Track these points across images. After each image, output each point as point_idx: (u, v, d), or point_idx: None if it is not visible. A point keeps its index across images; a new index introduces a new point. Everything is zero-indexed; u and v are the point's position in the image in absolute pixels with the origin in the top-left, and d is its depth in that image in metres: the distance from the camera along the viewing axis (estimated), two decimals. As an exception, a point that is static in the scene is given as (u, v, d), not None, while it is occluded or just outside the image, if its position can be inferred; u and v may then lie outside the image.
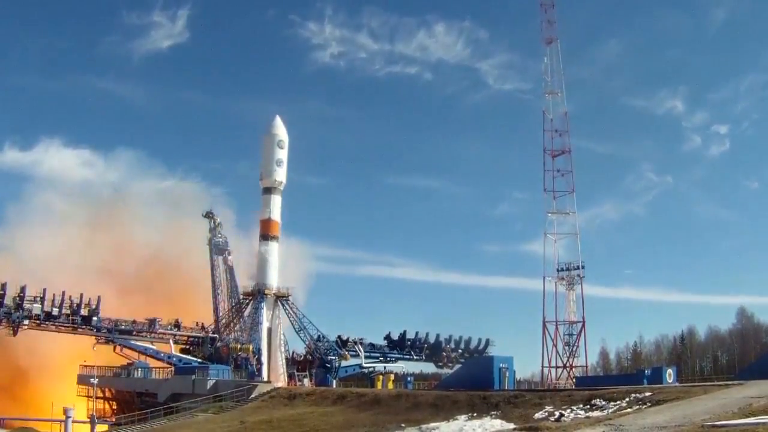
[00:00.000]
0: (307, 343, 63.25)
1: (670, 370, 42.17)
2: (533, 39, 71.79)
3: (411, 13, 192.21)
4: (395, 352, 72.39)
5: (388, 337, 73.50)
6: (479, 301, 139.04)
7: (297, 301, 65.21)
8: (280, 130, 64.81)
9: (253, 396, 44.82)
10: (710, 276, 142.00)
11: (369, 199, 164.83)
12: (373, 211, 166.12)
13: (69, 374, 59.07)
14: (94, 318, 56.30)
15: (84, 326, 56.53)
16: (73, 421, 45.14)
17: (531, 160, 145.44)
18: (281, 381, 58.74)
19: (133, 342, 59.07)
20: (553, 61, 65.53)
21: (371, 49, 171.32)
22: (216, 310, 64.99)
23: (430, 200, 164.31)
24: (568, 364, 60.85)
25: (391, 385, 60.70)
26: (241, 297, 63.96)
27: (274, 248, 63.72)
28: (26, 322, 53.48)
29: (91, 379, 50.55)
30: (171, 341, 60.78)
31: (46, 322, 54.92)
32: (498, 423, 27.44)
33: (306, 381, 60.74)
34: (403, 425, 30.39)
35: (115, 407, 56.86)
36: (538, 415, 27.34)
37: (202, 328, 64.64)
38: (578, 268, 61.67)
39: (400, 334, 73.73)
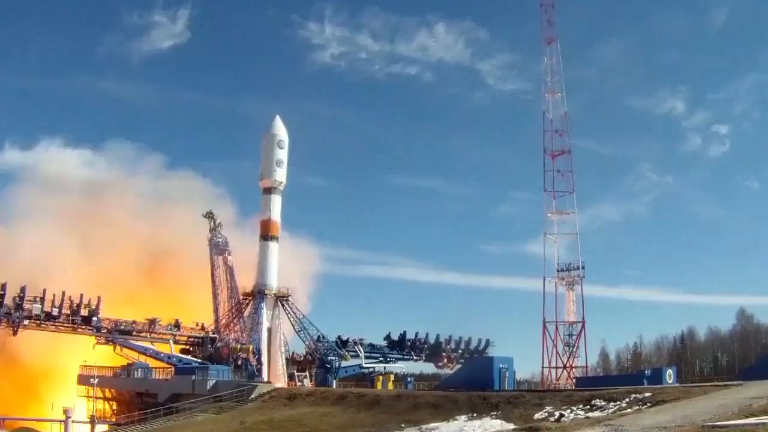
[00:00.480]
0: (307, 343, 63.26)
1: (670, 371, 42.21)
2: (534, 39, 71.76)
3: (411, 14, 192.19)
4: (395, 352, 72.37)
5: (388, 338, 73.50)
6: (479, 301, 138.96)
7: (297, 301, 65.36)
8: (280, 130, 64.81)
9: (253, 396, 44.81)
10: (710, 276, 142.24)
11: (369, 199, 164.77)
12: (373, 211, 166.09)
13: (69, 375, 59.07)
14: (94, 318, 56.22)
15: (84, 326, 56.48)
16: (73, 422, 45.19)
17: (531, 160, 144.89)
18: (281, 381, 58.75)
19: (133, 342, 59.03)
20: (553, 61, 65.66)
21: (371, 49, 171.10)
22: (216, 310, 64.92)
23: (431, 200, 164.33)
24: (568, 365, 60.84)
25: (391, 386, 60.62)
26: (241, 297, 63.99)
27: (274, 248, 63.72)
28: (26, 322, 53.40)
29: (91, 380, 50.57)
30: (171, 341, 60.74)
31: (46, 322, 54.84)
32: (498, 423, 27.45)
33: (306, 381, 60.76)
34: (403, 425, 30.40)
35: (115, 407, 56.78)
36: (538, 416, 27.35)
37: (202, 328, 64.60)
38: (578, 268, 61.67)
39: (400, 334, 73.72)
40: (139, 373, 56.55)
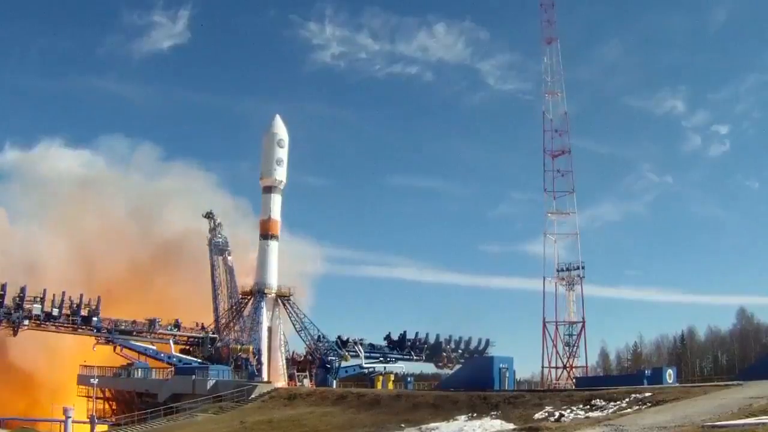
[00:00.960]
0: (307, 342, 63.21)
1: (670, 371, 42.20)
2: (534, 39, 71.85)
3: (411, 14, 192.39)
4: (395, 352, 72.39)
5: (388, 338, 73.52)
6: (479, 301, 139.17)
7: (297, 301, 65.28)
8: (280, 129, 64.85)
9: (253, 396, 44.80)
10: (710, 276, 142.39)
11: (369, 199, 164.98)
12: (373, 211, 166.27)
13: (69, 374, 59.06)
14: (94, 318, 56.27)
15: (84, 326, 56.52)
16: (73, 421, 45.13)
17: (531, 160, 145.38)
18: (281, 380, 58.77)
19: (133, 342, 59.04)
20: (553, 61, 65.67)
21: (372, 49, 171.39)
22: (216, 310, 64.98)
23: (430, 200, 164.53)
24: (568, 365, 60.81)
25: (391, 386, 60.72)
26: (240, 297, 63.94)
27: (274, 247, 63.74)
28: (26, 322, 53.43)
29: (91, 380, 50.53)
30: (171, 341, 60.74)
31: (46, 323, 54.88)
32: (498, 423, 27.43)
33: (306, 381, 60.74)
34: (402, 425, 30.39)
35: (115, 407, 56.79)
36: (538, 416, 27.34)
37: (202, 328, 64.62)
38: (578, 268, 61.63)
39: (400, 334, 73.75)
40: (139, 373, 56.56)
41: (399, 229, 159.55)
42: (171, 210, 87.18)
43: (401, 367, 69.85)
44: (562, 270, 62.13)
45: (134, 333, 59.55)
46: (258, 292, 62.07)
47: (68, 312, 55.39)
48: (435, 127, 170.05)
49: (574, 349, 61.07)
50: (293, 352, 65.76)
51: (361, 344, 68.66)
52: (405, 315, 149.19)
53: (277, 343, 62.48)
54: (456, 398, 33.97)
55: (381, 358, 70.66)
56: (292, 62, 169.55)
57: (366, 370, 66.06)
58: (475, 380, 39.49)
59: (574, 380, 54.79)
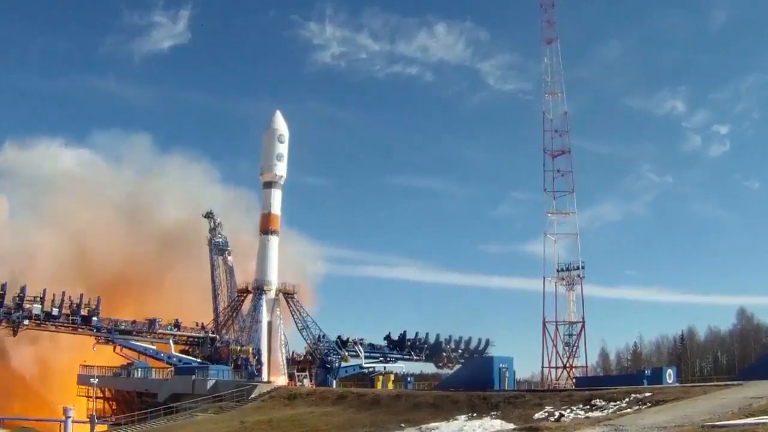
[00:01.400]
0: (309, 341, 63.04)
1: (670, 371, 42.23)
2: (534, 39, 71.87)
3: (412, 14, 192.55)
4: (395, 352, 72.30)
5: (388, 338, 73.41)
6: (479, 301, 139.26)
7: (300, 299, 65.00)
8: (281, 124, 64.89)
9: (253, 396, 44.82)
10: (710, 276, 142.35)
11: (369, 199, 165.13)
12: (373, 211, 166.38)
13: (69, 374, 59.06)
14: (94, 318, 56.15)
15: (84, 326, 56.42)
16: (73, 421, 45.12)
17: (531, 160, 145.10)
18: (282, 374, 58.76)
19: (133, 342, 59.00)
20: (553, 61, 65.64)
21: (372, 49, 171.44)
22: (216, 310, 64.99)
23: (431, 200, 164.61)
24: (568, 365, 60.79)
25: (391, 386, 60.65)
26: (236, 295, 63.86)
27: (274, 242, 63.70)
28: (26, 322, 53.27)
29: (91, 379, 50.51)
30: (171, 341, 60.71)
31: (46, 322, 54.77)
32: (498, 423, 27.43)
33: (306, 381, 60.71)
34: (402, 425, 30.40)
35: (115, 407, 56.77)
36: (537, 416, 27.35)
37: (202, 328, 64.58)
38: (578, 268, 61.59)
39: (400, 334, 73.65)
40: (139, 373, 56.54)
41: (399, 229, 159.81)
42: (170, 207, 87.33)
43: (401, 367, 69.80)
44: (562, 270, 62.12)
45: (134, 333, 59.50)
46: (257, 289, 61.93)
47: (68, 312, 55.31)
48: (435, 127, 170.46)
49: (574, 349, 61.12)
50: (293, 352, 65.78)
51: (361, 344, 68.56)
52: (405, 315, 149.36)
53: (278, 340, 62.24)
54: (456, 398, 33.97)
55: (381, 358, 70.58)
56: (292, 62, 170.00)
57: (366, 370, 66.00)
58: (475, 380, 39.50)
59: (574, 380, 54.79)
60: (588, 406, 27.34)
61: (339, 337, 66.89)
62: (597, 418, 22.51)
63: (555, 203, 62.91)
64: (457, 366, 67.46)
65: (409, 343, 73.05)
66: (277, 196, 63.97)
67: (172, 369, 56.09)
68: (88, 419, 47.85)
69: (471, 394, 33.96)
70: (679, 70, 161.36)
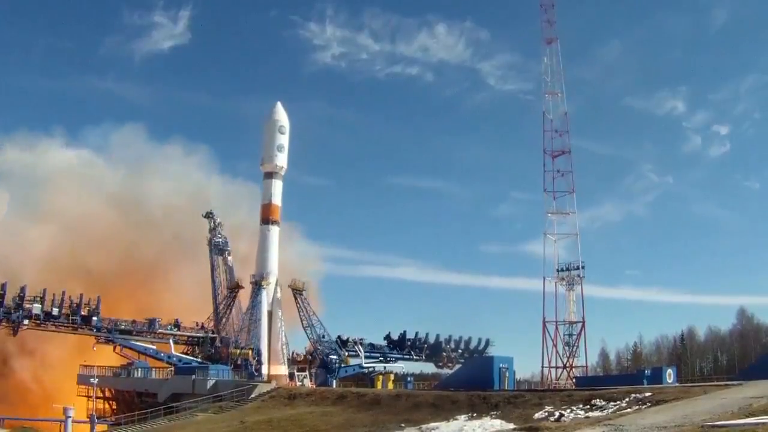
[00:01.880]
0: (311, 339, 62.84)
1: (670, 371, 42.16)
2: (534, 39, 71.82)
3: (412, 14, 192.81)
4: (395, 352, 72.33)
5: (388, 338, 73.44)
6: (479, 301, 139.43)
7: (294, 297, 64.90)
8: (282, 115, 65.12)
9: (253, 396, 44.81)
10: (710, 276, 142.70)
11: (369, 199, 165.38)
12: (373, 211, 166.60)
13: (69, 374, 59.06)
14: (94, 318, 56.22)
15: (84, 326, 56.46)
16: (73, 421, 45.07)
17: (531, 160, 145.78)
18: (282, 368, 58.98)
19: (133, 342, 59.02)
20: (553, 61, 65.63)
21: (372, 49, 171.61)
22: (216, 310, 64.97)
23: (431, 200, 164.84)
24: (568, 365, 60.78)
25: (391, 385, 60.67)
26: (228, 290, 63.94)
27: (275, 232, 63.85)
28: (26, 322, 53.34)
29: (91, 379, 50.50)
30: (171, 341, 60.73)
31: (46, 322, 54.81)
32: (498, 423, 27.44)
33: (306, 381, 60.70)
34: (402, 425, 30.40)
35: (115, 407, 56.80)
36: (537, 416, 27.35)
37: (202, 327, 64.60)
38: (578, 268, 61.57)
39: (400, 334, 73.68)
40: (139, 372, 56.53)
41: (399, 229, 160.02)
42: (170, 207, 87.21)
43: (401, 366, 69.83)
44: (562, 270, 62.10)
45: (134, 333, 59.53)
46: (255, 284, 61.68)
47: (68, 311, 55.34)
48: (436, 127, 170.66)
49: (574, 349, 61.11)
50: (293, 352, 65.77)
51: (361, 344, 68.60)
52: (405, 315, 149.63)
53: (278, 332, 62.08)
54: (456, 398, 33.96)
55: (381, 358, 70.61)
56: (292, 63, 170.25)
57: (366, 370, 66.01)
58: (475, 380, 39.44)
59: (573, 380, 54.79)
60: (588, 406, 27.34)
61: (339, 337, 66.93)
62: (597, 418, 22.50)
63: (555, 203, 62.99)
64: (457, 366, 67.46)
65: (409, 343, 73.07)
66: (277, 186, 64.14)
67: (172, 369, 56.08)
68: (88, 419, 47.83)
69: (471, 394, 33.93)
70: (679, 70, 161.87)
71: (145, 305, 67.21)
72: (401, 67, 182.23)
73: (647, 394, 26.54)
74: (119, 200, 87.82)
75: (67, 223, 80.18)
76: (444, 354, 73.22)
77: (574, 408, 27.30)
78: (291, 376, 61.20)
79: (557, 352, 61.02)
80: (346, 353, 65.04)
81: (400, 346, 72.86)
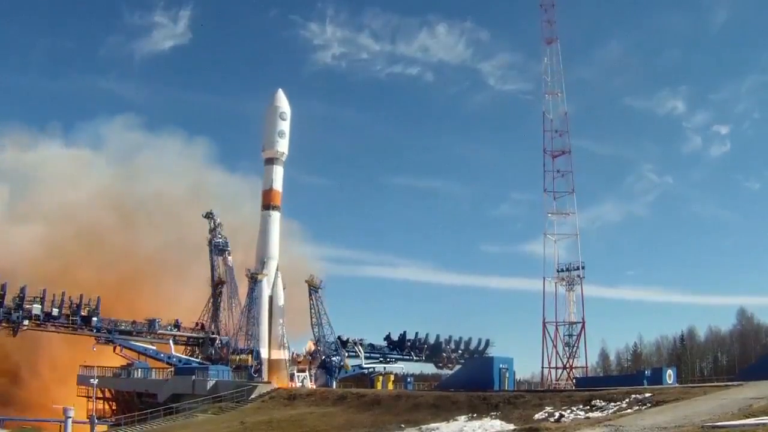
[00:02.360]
0: (316, 335, 62.61)
1: (670, 371, 42.19)
2: (534, 39, 71.90)
3: (412, 14, 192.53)
4: (395, 352, 72.33)
5: (388, 338, 73.44)
6: (479, 301, 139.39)
7: (300, 298, 64.82)
8: (283, 102, 65.30)
9: (253, 396, 44.79)
10: (710, 276, 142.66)
11: (369, 199, 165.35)
12: (373, 211, 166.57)
13: (69, 374, 59.05)
14: (94, 318, 56.15)
15: (84, 327, 56.42)
16: (73, 422, 45.07)
17: (531, 160, 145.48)
18: (282, 355, 59.28)
19: (133, 342, 59.00)
20: (553, 61, 65.60)
21: (372, 49, 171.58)
22: (216, 310, 64.90)
23: (431, 200, 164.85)
24: (568, 365, 60.75)
25: (391, 386, 60.66)
26: (213, 287, 64.07)
27: (276, 218, 63.87)
28: (26, 322, 53.26)
29: (91, 380, 50.49)
30: (171, 341, 60.70)
31: (46, 323, 54.77)
32: (498, 424, 27.45)
33: (306, 381, 60.65)
34: (402, 426, 30.40)
35: (114, 407, 56.76)
36: (537, 416, 27.35)
37: (202, 328, 64.59)
38: (578, 268, 61.53)
39: (400, 334, 73.68)
40: (139, 373, 56.53)
41: (399, 229, 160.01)
42: (170, 204, 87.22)
43: (401, 367, 69.83)
44: (562, 270, 62.08)
45: (134, 333, 59.50)
46: (252, 278, 61.41)
47: (68, 312, 55.32)
48: (436, 127, 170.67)
49: (574, 350, 61.05)
50: (293, 352, 65.68)
51: (361, 344, 68.56)
52: (405, 315, 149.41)
53: (278, 323, 61.87)
54: (456, 398, 33.95)
55: (381, 359, 70.61)
56: (293, 63, 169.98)
57: (366, 371, 65.99)
58: (475, 380, 39.45)
59: (574, 380, 54.78)
60: (588, 407, 27.34)
61: (339, 337, 66.83)
62: (597, 418, 22.51)
63: (555, 203, 62.96)
64: (457, 366, 67.49)
65: (409, 343, 73.07)
66: (278, 172, 64.19)
67: (172, 369, 56.06)
68: (88, 419, 47.83)
69: (471, 395, 33.93)
70: (679, 70, 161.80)
71: (144, 305, 67.14)
72: (401, 67, 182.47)
73: (647, 395, 26.54)
74: (114, 195, 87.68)
75: (67, 221, 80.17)
76: (444, 354, 73.24)
77: (574, 408, 27.30)
78: (291, 376, 61.13)
79: (557, 352, 61.06)
80: (346, 354, 64.93)
81: (400, 346, 72.85)
